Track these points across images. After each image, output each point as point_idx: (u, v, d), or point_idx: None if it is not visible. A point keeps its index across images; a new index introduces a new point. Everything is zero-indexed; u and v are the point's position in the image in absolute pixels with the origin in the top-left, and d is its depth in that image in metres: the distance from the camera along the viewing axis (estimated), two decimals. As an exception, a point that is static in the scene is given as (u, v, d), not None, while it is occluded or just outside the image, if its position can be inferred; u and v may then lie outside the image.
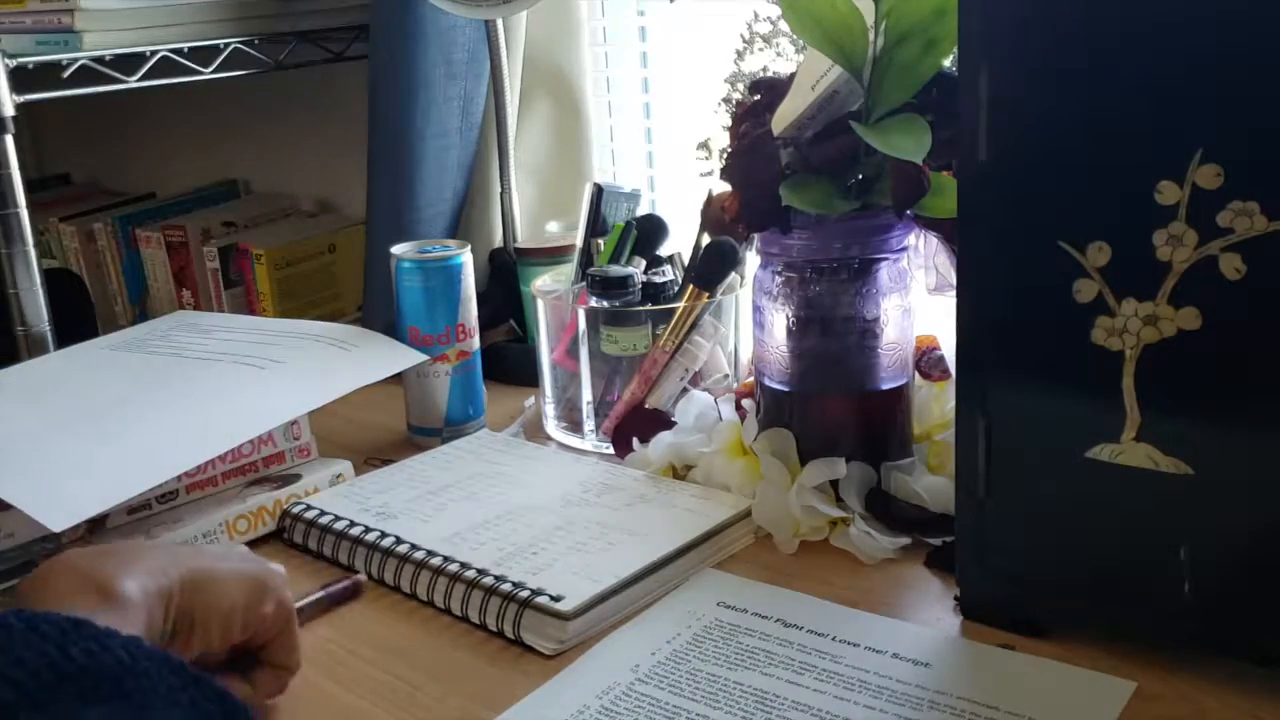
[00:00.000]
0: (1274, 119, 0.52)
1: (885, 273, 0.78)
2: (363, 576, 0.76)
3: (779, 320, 0.80)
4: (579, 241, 1.04)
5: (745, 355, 0.94)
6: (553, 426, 0.98)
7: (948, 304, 0.79)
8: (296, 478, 0.86)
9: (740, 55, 0.90)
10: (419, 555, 0.75)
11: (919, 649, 0.65)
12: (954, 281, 0.64)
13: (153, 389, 0.86)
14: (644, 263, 0.99)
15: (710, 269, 0.92)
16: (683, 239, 1.01)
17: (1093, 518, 0.61)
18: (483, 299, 1.04)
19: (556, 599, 0.68)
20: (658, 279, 0.96)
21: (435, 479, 0.87)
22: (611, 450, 0.92)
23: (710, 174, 0.84)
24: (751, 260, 0.92)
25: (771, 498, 0.78)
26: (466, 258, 0.97)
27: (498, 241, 1.23)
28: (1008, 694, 0.60)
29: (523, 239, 1.20)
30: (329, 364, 0.91)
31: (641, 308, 0.94)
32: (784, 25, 0.88)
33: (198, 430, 0.80)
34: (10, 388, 0.88)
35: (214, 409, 0.83)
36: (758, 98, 0.81)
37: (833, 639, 0.66)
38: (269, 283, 1.35)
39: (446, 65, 1.16)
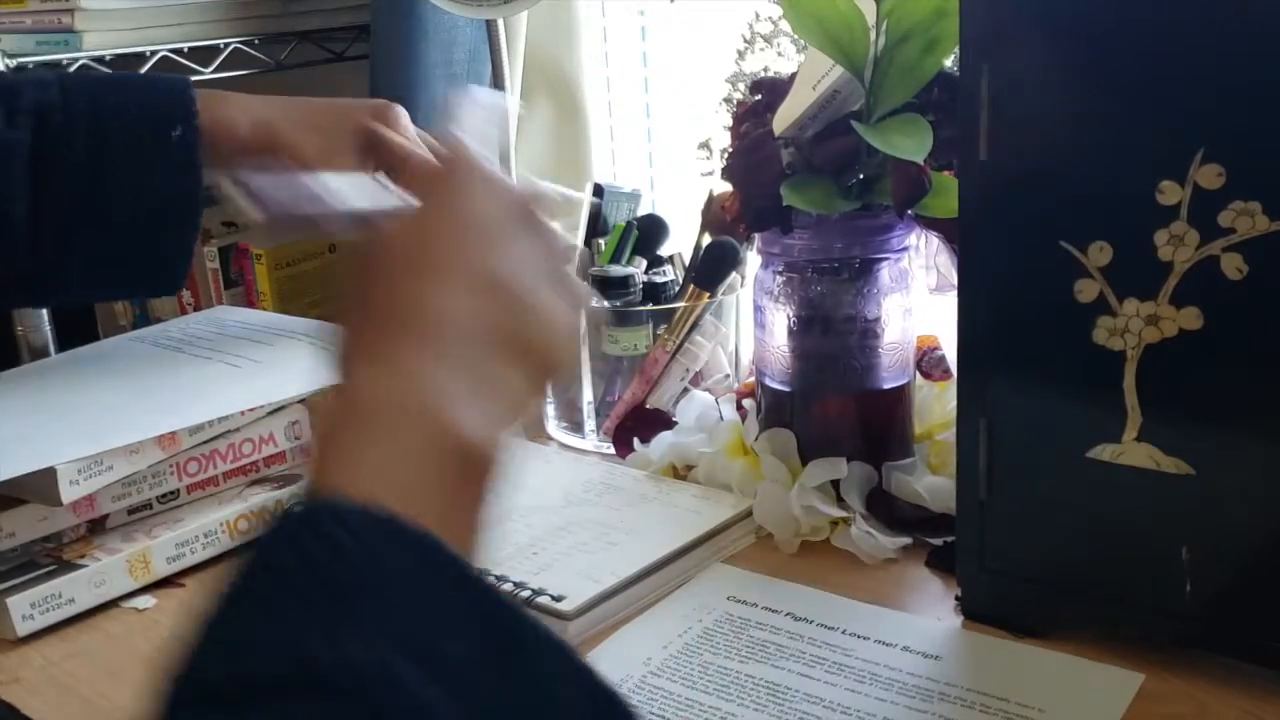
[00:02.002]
0: (1275, 119, 0.52)
1: (886, 272, 0.78)
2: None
3: (780, 320, 0.80)
4: (579, 241, 1.04)
5: (746, 355, 0.94)
6: (553, 426, 0.98)
7: (949, 304, 0.79)
8: (298, 478, 0.86)
9: (741, 55, 0.90)
10: (420, 555, 0.75)
11: (929, 642, 0.65)
12: (955, 281, 0.64)
13: (114, 378, 0.88)
14: (644, 263, 0.99)
15: (711, 269, 0.92)
16: (683, 239, 1.01)
17: (1094, 518, 0.61)
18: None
19: (558, 599, 0.68)
20: (658, 279, 0.96)
21: (436, 479, 0.87)
22: (612, 450, 0.92)
23: (711, 174, 0.84)
24: (752, 260, 0.92)
25: (772, 497, 0.78)
26: (467, 258, 0.97)
27: (498, 241, 1.22)
28: (1018, 686, 0.60)
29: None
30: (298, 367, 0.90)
31: (642, 308, 0.94)
32: (785, 25, 0.88)
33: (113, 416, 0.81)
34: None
35: (145, 400, 0.84)
36: (759, 97, 0.81)
37: (843, 632, 0.66)
38: (269, 283, 1.34)
39: (446, 65, 1.16)
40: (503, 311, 0.43)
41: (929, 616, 0.68)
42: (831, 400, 0.81)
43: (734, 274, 0.94)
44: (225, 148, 0.78)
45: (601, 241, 1.01)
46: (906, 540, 0.75)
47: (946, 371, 0.85)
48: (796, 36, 0.84)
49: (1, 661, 0.70)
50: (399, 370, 0.40)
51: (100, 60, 1.04)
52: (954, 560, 0.68)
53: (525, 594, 0.69)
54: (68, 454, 0.73)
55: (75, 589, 0.73)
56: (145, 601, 0.76)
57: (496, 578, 0.70)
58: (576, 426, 0.96)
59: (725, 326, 0.95)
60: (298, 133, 0.79)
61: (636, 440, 0.90)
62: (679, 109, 1.25)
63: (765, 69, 0.89)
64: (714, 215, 0.91)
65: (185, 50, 1.11)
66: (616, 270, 0.95)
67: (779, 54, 0.88)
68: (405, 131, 0.82)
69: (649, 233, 1.00)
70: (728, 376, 0.95)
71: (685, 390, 0.92)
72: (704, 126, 0.90)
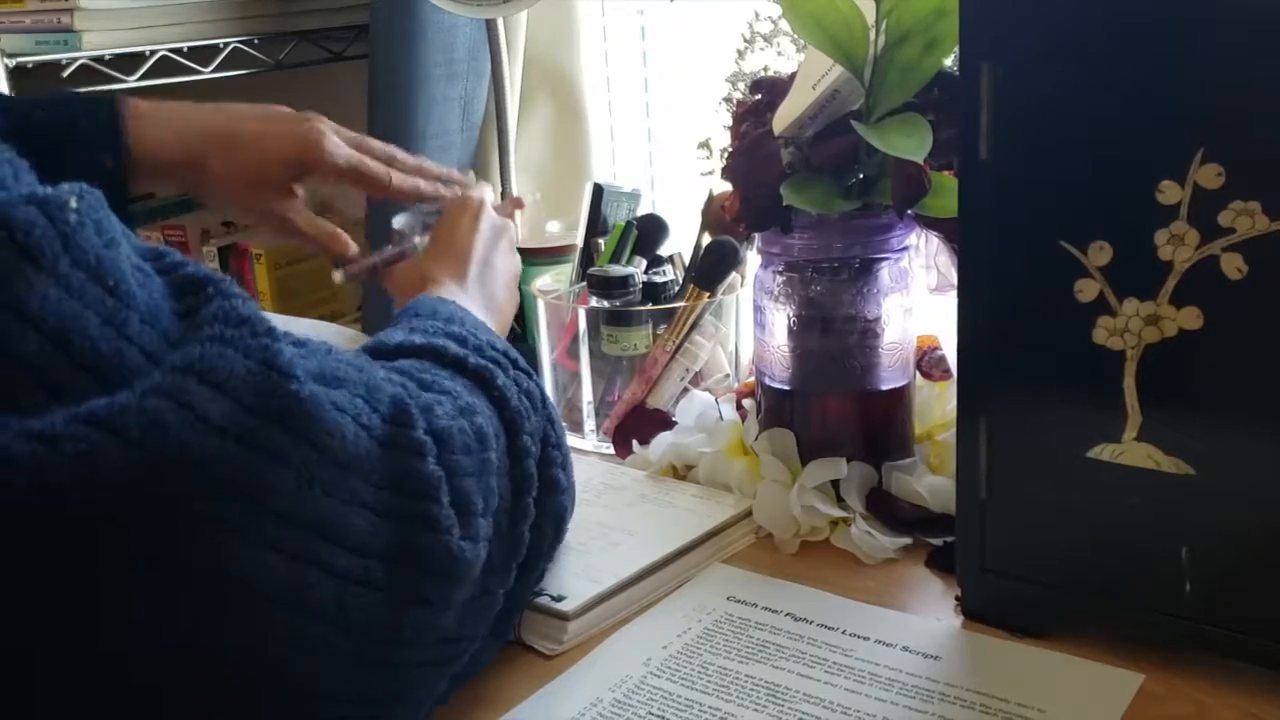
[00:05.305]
0: (1275, 119, 0.52)
1: (886, 272, 0.78)
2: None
3: (780, 320, 0.80)
4: (579, 241, 1.04)
5: (746, 355, 0.94)
6: (553, 426, 0.98)
7: (949, 304, 0.79)
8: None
9: (741, 54, 0.90)
10: (419, 555, 0.74)
11: (929, 642, 0.65)
12: (955, 281, 0.64)
13: None
14: (644, 262, 0.99)
15: (711, 268, 0.92)
16: (683, 239, 1.01)
17: (1094, 518, 0.61)
18: (483, 299, 1.03)
19: (558, 599, 0.68)
20: (658, 279, 0.96)
21: (435, 479, 0.87)
22: (612, 450, 0.92)
23: (711, 173, 0.84)
24: (752, 260, 0.92)
25: (772, 497, 0.78)
26: (467, 257, 0.97)
27: (498, 241, 1.23)
28: (1017, 686, 0.60)
29: (523, 239, 1.20)
30: None
31: (642, 307, 0.94)
32: (785, 24, 0.88)
33: None
34: None
35: None
36: (758, 97, 0.81)
37: (842, 632, 0.66)
38: (269, 282, 1.35)
39: (447, 65, 1.16)
40: (492, 271, 0.82)
41: (929, 616, 0.68)
42: (831, 400, 0.81)
43: (734, 274, 0.94)
44: (152, 171, 0.83)
45: (601, 241, 1.01)
46: (906, 540, 0.75)
47: (946, 371, 0.85)
48: (796, 36, 0.84)
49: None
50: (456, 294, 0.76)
51: (100, 60, 1.04)
52: (954, 560, 0.68)
53: (525, 594, 0.69)
54: None
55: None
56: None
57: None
58: (576, 426, 0.96)
59: (725, 326, 0.95)
60: (226, 169, 0.85)
61: (636, 440, 0.90)
62: (679, 109, 1.25)
63: (765, 69, 0.89)
64: (714, 215, 0.91)
65: (184, 50, 1.11)
66: (616, 270, 0.95)
67: (779, 54, 0.88)
68: (335, 154, 0.89)
69: (649, 232, 1.00)
70: (727, 376, 0.95)
71: (685, 390, 0.92)
72: (704, 126, 0.90)
